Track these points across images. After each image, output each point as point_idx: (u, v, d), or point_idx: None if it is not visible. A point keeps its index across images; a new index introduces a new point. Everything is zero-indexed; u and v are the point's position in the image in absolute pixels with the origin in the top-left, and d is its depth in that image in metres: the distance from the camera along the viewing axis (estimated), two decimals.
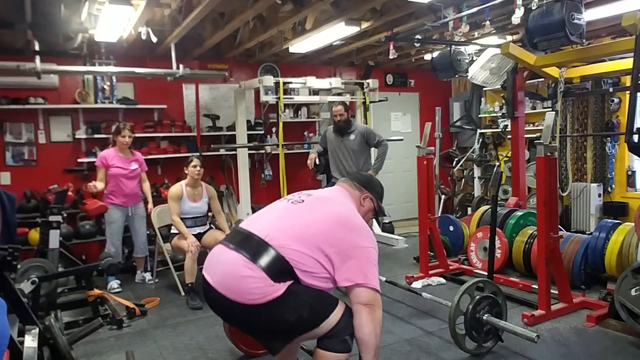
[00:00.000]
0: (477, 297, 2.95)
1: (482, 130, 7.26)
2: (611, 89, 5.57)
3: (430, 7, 4.27)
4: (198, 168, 4.34)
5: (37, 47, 4.57)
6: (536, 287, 3.65)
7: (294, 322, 1.89)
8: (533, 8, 3.51)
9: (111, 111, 5.73)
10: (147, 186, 4.85)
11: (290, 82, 5.66)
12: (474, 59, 5.30)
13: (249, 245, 1.94)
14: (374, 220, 6.11)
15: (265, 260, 1.88)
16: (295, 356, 2.43)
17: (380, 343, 1.96)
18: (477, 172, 7.25)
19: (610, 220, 4.25)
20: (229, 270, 1.93)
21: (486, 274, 3.91)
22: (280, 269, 1.88)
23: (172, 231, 4.45)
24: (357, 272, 1.91)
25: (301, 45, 5.43)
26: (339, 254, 1.92)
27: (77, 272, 4.10)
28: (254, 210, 5.97)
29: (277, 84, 5.44)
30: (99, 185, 4.46)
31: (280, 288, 1.86)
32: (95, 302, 3.75)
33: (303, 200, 2.10)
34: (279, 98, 5.44)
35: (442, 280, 4.50)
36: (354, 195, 2.25)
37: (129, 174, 4.60)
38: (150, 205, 4.81)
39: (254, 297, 1.84)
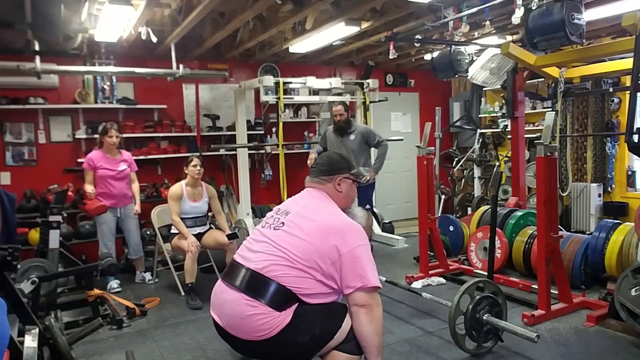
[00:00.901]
0: (477, 297, 2.95)
1: (482, 130, 7.26)
2: (611, 89, 5.56)
3: (430, 7, 4.27)
4: (198, 167, 4.34)
5: (37, 47, 4.57)
6: (536, 287, 3.65)
7: (308, 342, 1.89)
8: (533, 8, 3.51)
9: (111, 111, 5.72)
10: (136, 186, 4.80)
11: (290, 82, 5.66)
12: (474, 59, 5.30)
13: (249, 282, 1.92)
14: (373, 220, 6.11)
15: (267, 294, 1.87)
16: None
17: (383, 341, 1.96)
18: (477, 172, 7.25)
19: (610, 220, 4.25)
20: (233, 312, 1.92)
21: (486, 274, 3.91)
22: (284, 298, 1.87)
23: (172, 231, 4.45)
24: (354, 277, 1.90)
25: (301, 45, 5.43)
26: (334, 265, 1.91)
27: (77, 272, 4.10)
28: (253, 211, 5.98)
29: (277, 84, 5.44)
30: (88, 188, 4.42)
31: (288, 315, 1.86)
32: (95, 302, 3.75)
33: (283, 223, 2.03)
34: (279, 98, 5.44)
35: (442, 280, 4.50)
36: (327, 189, 2.17)
37: (116, 175, 4.57)
38: (137, 206, 4.74)
39: (264, 333, 1.84)
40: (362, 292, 1.90)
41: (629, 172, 5.96)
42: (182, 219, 4.29)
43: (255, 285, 1.90)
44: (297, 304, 1.89)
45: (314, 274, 1.89)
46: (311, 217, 2.01)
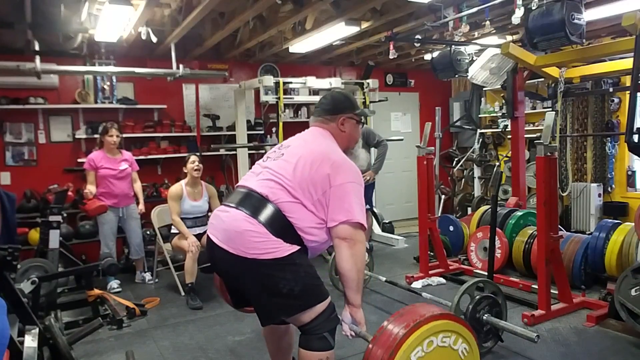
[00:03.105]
0: (477, 297, 2.95)
1: (482, 130, 7.26)
2: (611, 89, 5.56)
3: (430, 7, 4.27)
4: (197, 164, 4.34)
5: (37, 47, 4.57)
6: (536, 287, 3.65)
7: (284, 294, 1.89)
8: (533, 8, 3.51)
9: (111, 111, 5.73)
10: (138, 186, 4.81)
11: (290, 82, 5.65)
12: (474, 59, 5.30)
13: (249, 202, 1.95)
14: (373, 220, 6.11)
15: (265, 215, 1.89)
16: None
17: (362, 278, 1.98)
18: (477, 172, 7.26)
19: (610, 220, 4.25)
20: (231, 226, 1.94)
21: (486, 274, 3.90)
22: (280, 225, 1.89)
23: (172, 231, 4.45)
24: (340, 210, 1.91)
25: (301, 45, 5.43)
26: (325, 195, 1.92)
27: (77, 272, 4.10)
28: None
29: (277, 84, 5.43)
30: (91, 189, 4.43)
31: (283, 249, 1.87)
32: (95, 302, 3.75)
33: (283, 154, 2.06)
34: (279, 98, 5.43)
35: (442, 280, 4.50)
36: (331, 128, 2.16)
37: (118, 174, 4.57)
38: (141, 205, 4.77)
39: (256, 252, 1.86)
40: (346, 225, 1.90)
41: (629, 172, 5.96)
42: (182, 219, 4.29)
43: (256, 206, 1.92)
44: (295, 249, 1.90)
45: (306, 202, 1.91)
46: (310, 149, 2.04)
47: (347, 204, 1.91)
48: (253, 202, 1.94)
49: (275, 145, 2.27)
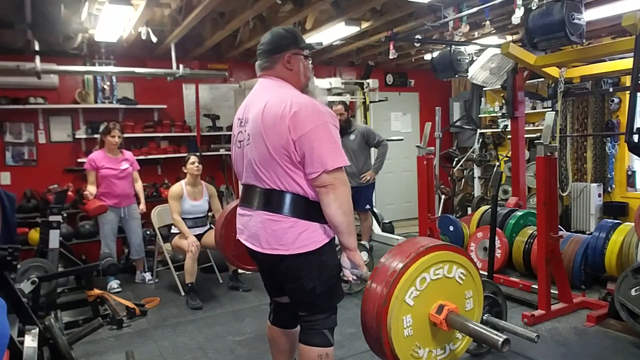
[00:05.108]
0: None
1: (482, 130, 7.26)
2: (611, 89, 5.56)
3: (430, 7, 4.27)
4: (196, 164, 4.34)
5: (37, 47, 4.57)
6: (536, 287, 3.65)
7: (307, 290, 1.92)
8: (533, 8, 3.51)
9: (111, 111, 5.73)
10: (139, 185, 4.82)
11: None
12: (474, 59, 5.30)
13: (266, 199, 1.92)
14: (373, 220, 6.11)
15: (286, 206, 1.88)
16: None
17: (352, 220, 1.91)
18: (477, 172, 7.25)
19: (610, 220, 4.25)
20: (260, 229, 1.93)
21: (486, 274, 3.90)
22: (302, 206, 1.88)
23: (172, 231, 4.45)
24: (312, 162, 1.80)
25: None
26: (300, 150, 1.81)
27: (77, 272, 4.10)
28: None
29: None
30: (92, 189, 4.43)
31: (317, 239, 1.89)
32: (95, 302, 3.75)
33: (249, 135, 1.95)
34: None
35: None
36: (277, 71, 1.98)
37: (119, 174, 4.57)
38: (142, 205, 4.78)
39: (293, 246, 1.88)
40: (324, 174, 1.81)
41: (629, 172, 5.96)
42: (182, 219, 4.29)
43: (271, 201, 1.90)
44: (326, 240, 1.91)
45: (293, 169, 1.85)
46: (263, 114, 1.87)
47: (318, 152, 1.79)
48: (269, 198, 1.92)
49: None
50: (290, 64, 1.97)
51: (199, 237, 4.29)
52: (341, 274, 2.03)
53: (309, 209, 1.89)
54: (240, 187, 2.21)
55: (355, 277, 2.02)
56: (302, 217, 1.88)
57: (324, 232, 1.92)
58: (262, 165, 1.91)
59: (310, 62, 2.08)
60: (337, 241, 2.00)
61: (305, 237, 1.88)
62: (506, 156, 6.59)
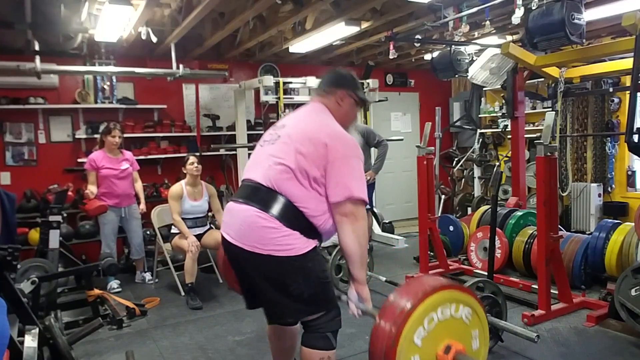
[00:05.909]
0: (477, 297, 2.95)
1: (482, 130, 7.26)
2: (611, 89, 5.56)
3: (430, 7, 4.27)
4: (196, 164, 4.34)
5: (37, 47, 4.57)
6: (536, 287, 3.65)
7: (294, 296, 1.89)
8: (533, 8, 3.51)
9: (111, 111, 5.73)
10: (139, 185, 4.82)
11: (290, 82, 5.65)
12: (474, 59, 5.30)
13: (259, 196, 1.93)
14: (373, 220, 6.11)
15: (276, 209, 1.88)
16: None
17: (366, 254, 1.98)
18: (477, 172, 7.25)
19: (610, 220, 4.25)
20: (244, 223, 1.92)
21: (486, 274, 3.90)
22: (293, 216, 1.88)
23: (172, 231, 4.45)
24: (340, 187, 1.87)
25: (301, 45, 5.43)
26: (323, 172, 1.88)
27: (77, 272, 4.10)
28: None
29: (277, 84, 5.43)
30: (92, 189, 4.42)
31: (299, 246, 1.87)
32: (95, 302, 3.75)
33: (279, 136, 2.00)
34: (279, 98, 5.43)
35: None
36: (329, 102, 2.10)
37: (119, 174, 4.57)
38: (142, 205, 4.78)
39: (272, 248, 1.86)
40: (347, 202, 1.88)
41: (629, 172, 5.96)
42: (182, 219, 4.29)
43: (264, 198, 1.90)
44: (310, 245, 1.90)
45: (312, 185, 1.89)
46: (305, 126, 2.00)
47: (346, 179, 1.88)
48: (262, 196, 1.91)
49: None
50: (342, 101, 2.11)
51: (199, 237, 4.29)
52: (349, 310, 2.02)
53: (300, 221, 1.89)
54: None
55: (360, 312, 2.01)
56: (286, 224, 1.87)
57: (306, 240, 1.91)
58: (278, 160, 1.92)
59: (359, 108, 2.22)
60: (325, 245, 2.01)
61: (285, 242, 1.87)
62: (506, 156, 6.59)
